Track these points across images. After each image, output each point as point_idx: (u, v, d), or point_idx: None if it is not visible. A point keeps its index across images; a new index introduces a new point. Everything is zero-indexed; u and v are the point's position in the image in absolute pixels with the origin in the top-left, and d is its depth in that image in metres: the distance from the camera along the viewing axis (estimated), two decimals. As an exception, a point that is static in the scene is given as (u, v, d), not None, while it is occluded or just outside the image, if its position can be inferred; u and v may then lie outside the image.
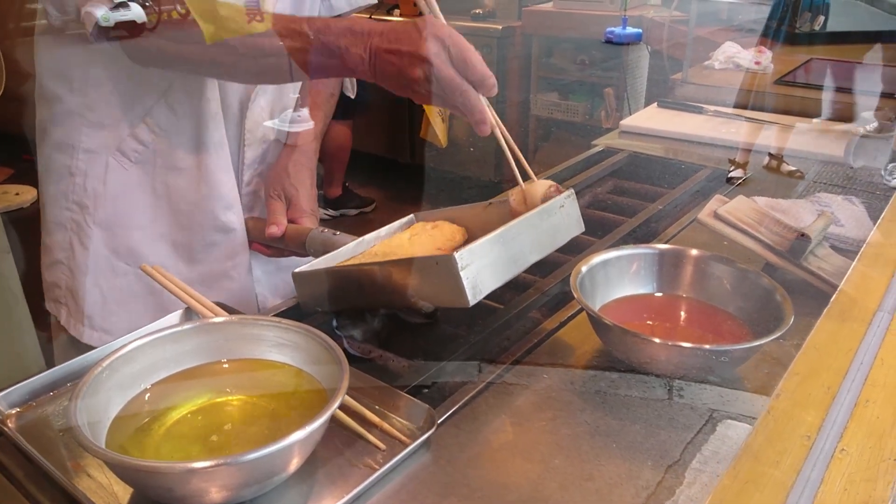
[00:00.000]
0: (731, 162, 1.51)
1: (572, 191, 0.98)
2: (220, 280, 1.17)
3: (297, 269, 0.99)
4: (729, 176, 1.46)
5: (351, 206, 4.10)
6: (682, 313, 0.94)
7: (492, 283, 0.84)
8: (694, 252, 0.95)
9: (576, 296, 0.86)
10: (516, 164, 0.98)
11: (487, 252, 0.84)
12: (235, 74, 1.05)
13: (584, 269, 0.91)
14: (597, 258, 0.93)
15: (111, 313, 1.14)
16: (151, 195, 1.12)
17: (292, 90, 1.21)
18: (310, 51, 0.92)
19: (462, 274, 0.80)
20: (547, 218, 0.94)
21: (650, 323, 0.92)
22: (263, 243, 1.17)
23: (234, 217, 1.15)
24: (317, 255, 1.06)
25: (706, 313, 0.92)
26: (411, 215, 1.15)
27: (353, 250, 1.05)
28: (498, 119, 0.96)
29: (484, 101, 0.89)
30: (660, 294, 0.96)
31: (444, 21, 0.91)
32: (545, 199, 0.95)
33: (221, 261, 1.16)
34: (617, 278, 0.95)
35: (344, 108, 3.88)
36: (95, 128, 1.09)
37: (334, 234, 1.08)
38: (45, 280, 1.19)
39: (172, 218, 1.13)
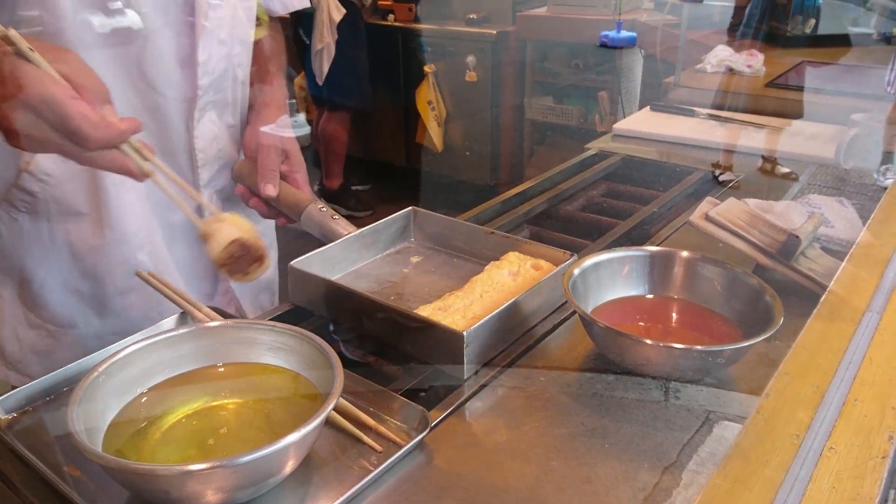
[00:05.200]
0: (715, 166, 1.52)
1: (575, 256, 1.01)
2: (144, 325, 1.07)
3: (293, 263, 0.99)
4: (720, 179, 1.47)
5: (346, 206, 4.09)
6: (674, 314, 0.95)
7: (488, 355, 0.89)
8: (684, 254, 0.96)
9: (568, 298, 0.87)
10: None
11: (492, 327, 0.88)
12: None
13: (576, 271, 0.92)
14: (588, 261, 0.94)
15: (33, 363, 1.07)
16: (49, 245, 1.02)
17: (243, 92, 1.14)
18: None
19: (465, 351, 0.85)
20: (550, 286, 0.97)
21: (642, 324, 0.93)
22: (261, 199, 1.10)
23: (146, 257, 1.05)
24: (312, 232, 1.07)
25: (697, 314, 0.93)
26: (409, 208, 1.17)
27: (347, 244, 1.06)
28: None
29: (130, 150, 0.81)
30: (651, 296, 0.96)
31: (51, 73, 0.74)
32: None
33: (142, 308, 1.06)
34: (609, 280, 0.95)
35: (340, 98, 3.92)
36: None
37: (333, 217, 1.07)
38: None
39: (75, 268, 1.03)
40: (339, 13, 3.63)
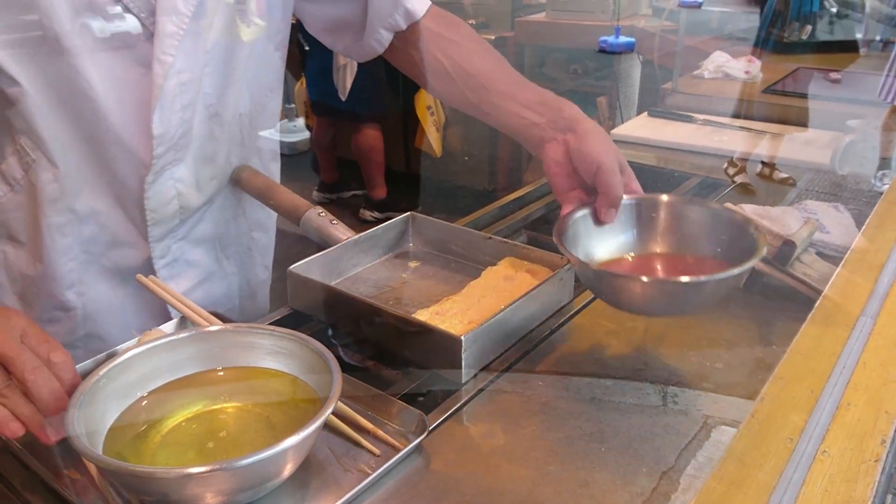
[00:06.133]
0: (731, 164, 1.52)
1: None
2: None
3: (292, 267, 1.00)
4: (735, 180, 1.47)
5: (397, 210, 4.06)
6: (664, 261, 0.96)
7: (485, 359, 0.90)
8: (666, 198, 0.98)
9: (562, 250, 0.88)
10: None
11: (490, 332, 0.89)
12: None
13: (568, 225, 0.93)
14: (578, 212, 0.95)
15: None
16: None
17: (223, 151, 1.09)
18: None
19: (463, 355, 0.85)
20: (547, 291, 0.98)
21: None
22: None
23: (74, 296, 1.04)
24: (311, 237, 1.07)
25: (685, 260, 0.94)
26: (408, 213, 1.18)
27: (346, 249, 1.06)
28: None
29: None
30: (639, 244, 0.97)
31: None
32: None
33: (63, 336, 1.05)
34: (598, 232, 0.96)
35: (372, 110, 3.91)
36: None
37: (332, 221, 1.08)
38: None
39: (9, 288, 1.04)
40: None
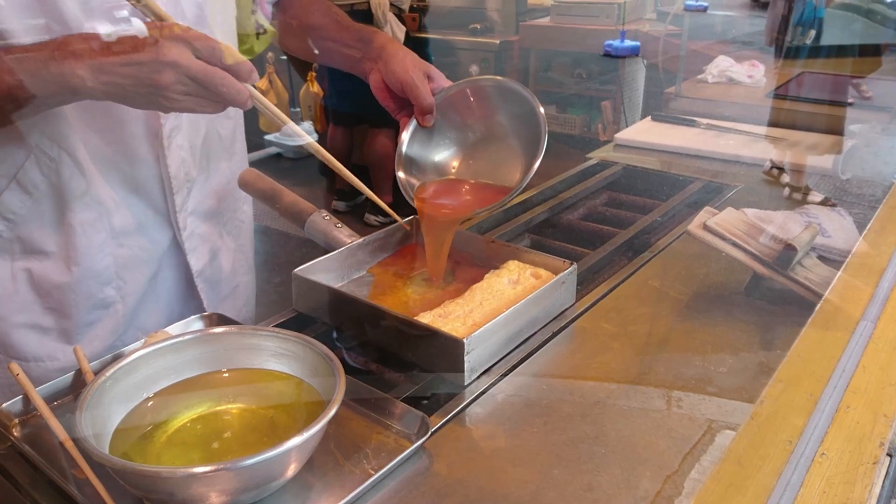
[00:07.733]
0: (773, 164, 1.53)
1: (574, 265, 1.02)
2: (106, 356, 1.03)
3: (297, 270, 1.01)
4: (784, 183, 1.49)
5: (400, 215, 4.07)
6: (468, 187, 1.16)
7: (488, 362, 0.91)
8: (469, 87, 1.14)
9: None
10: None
11: (492, 335, 0.90)
12: None
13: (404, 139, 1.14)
14: (411, 125, 1.15)
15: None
16: (10, 283, 1.01)
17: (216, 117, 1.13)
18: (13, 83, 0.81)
19: (466, 358, 0.86)
20: (550, 295, 0.99)
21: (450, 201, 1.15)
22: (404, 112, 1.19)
23: (114, 291, 1.05)
24: (316, 240, 1.08)
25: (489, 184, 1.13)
26: (412, 217, 1.20)
27: (351, 252, 1.08)
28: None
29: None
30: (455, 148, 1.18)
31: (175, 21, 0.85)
32: None
33: (105, 338, 1.06)
34: (432, 145, 1.14)
35: (389, 117, 3.92)
36: None
37: (337, 224, 1.09)
38: None
39: (39, 304, 1.03)
40: (401, 31, 3.59)
